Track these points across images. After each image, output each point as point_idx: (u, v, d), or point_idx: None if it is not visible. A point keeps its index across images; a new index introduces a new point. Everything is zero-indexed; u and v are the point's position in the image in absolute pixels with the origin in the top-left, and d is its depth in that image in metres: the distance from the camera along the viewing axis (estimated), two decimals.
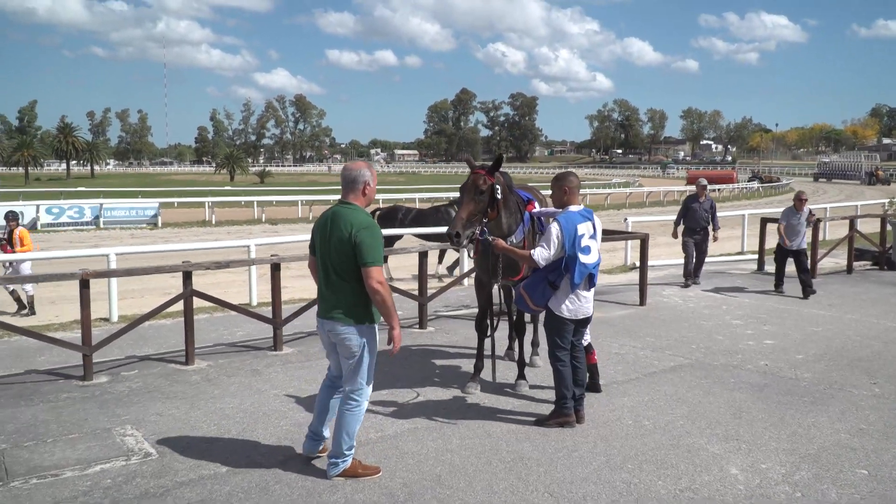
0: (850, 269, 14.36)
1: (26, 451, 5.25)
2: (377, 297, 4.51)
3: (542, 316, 6.07)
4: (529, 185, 7.89)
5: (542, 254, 5.46)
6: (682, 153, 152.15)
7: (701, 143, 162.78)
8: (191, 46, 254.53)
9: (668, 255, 16.57)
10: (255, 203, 34.72)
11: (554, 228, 5.49)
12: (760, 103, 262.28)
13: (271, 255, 8.49)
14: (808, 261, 12.16)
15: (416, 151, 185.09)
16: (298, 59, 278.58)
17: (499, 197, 5.96)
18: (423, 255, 9.48)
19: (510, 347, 7.90)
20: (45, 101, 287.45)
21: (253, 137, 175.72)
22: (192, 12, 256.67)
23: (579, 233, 5.50)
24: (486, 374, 6.84)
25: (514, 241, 6.21)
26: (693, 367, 7.49)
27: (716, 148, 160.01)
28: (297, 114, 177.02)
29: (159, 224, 28.70)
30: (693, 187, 13.11)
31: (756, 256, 15.23)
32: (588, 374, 6.13)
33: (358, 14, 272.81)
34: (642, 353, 8.04)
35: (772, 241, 16.39)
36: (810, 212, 12.10)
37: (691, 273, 12.60)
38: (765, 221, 15.02)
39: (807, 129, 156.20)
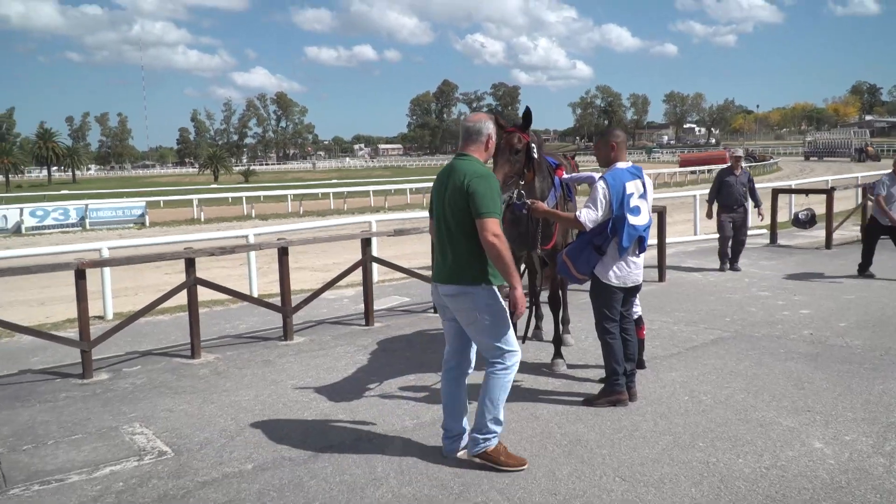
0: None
1: (25, 454, 4.71)
2: (493, 251, 3.99)
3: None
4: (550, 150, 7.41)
5: (588, 215, 4.96)
6: (665, 137, 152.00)
7: (684, 126, 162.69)
8: (167, 48, 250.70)
9: (670, 233, 16.16)
10: (244, 199, 34.09)
11: (601, 187, 4.99)
12: (741, 85, 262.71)
13: (278, 239, 7.96)
14: None
15: (400, 145, 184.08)
16: (277, 58, 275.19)
17: (535, 157, 5.47)
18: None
19: (537, 327, 7.42)
20: (23, 107, 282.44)
21: (235, 137, 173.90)
22: (167, 13, 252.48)
23: (628, 192, 5.01)
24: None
25: (547, 207, 5.69)
26: (735, 340, 7.03)
27: (699, 131, 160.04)
28: (279, 112, 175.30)
29: (147, 223, 28.06)
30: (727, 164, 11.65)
31: (766, 231, 14.82)
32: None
33: (335, 10, 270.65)
34: (676, 328, 7.58)
35: (783, 215, 16.07)
36: None
37: (728, 255, 11.12)
38: (776, 193, 14.61)
39: (788, 108, 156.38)
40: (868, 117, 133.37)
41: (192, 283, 7.04)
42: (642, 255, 5.22)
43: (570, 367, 6.24)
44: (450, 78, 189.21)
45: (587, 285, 5.45)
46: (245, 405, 5.56)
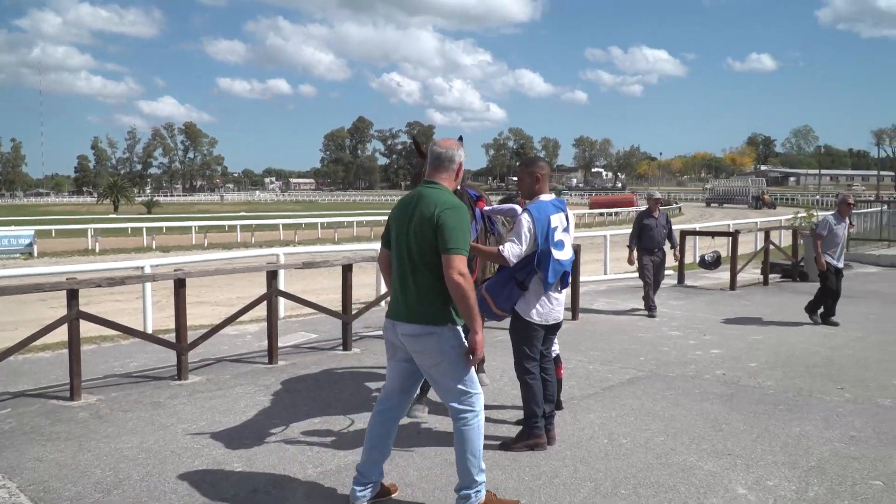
0: (766, 281, 14.42)
1: None
2: (458, 291, 3.66)
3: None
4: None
5: (512, 249, 4.71)
6: (574, 180, 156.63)
7: (592, 170, 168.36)
8: (69, 73, 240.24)
9: (581, 272, 16.26)
10: (144, 230, 32.59)
11: (525, 220, 4.77)
12: (646, 132, 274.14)
13: (175, 270, 7.38)
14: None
15: (312, 180, 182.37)
16: (187, 87, 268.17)
17: (458, 187, 5.21)
18: (347, 269, 8.57)
19: None
20: None
21: (139, 166, 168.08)
22: (70, 38, 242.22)
23: (552, 225, 4.81)
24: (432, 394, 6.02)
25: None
26: (650, 379, 6.93)
27: (606, 175, 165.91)
28: (187, 142, 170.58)
29: (35, 253, 26.32)
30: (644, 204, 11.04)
31: (673, 272, 15.11)
32: None
33: (249, 42, 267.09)
34: (592, 367, 7.43)
35: (689, 257, 16.45)
36: (850, 221, 10.40)
37: (654, 302, 10.67)
38: (684, 235, 14.94)
39: (689, 156, 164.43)
40: (763, 167, 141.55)
41: (73, 316, 6.39)
42: (564, 291, 5.02)
43: (484, 408, 5.95)
44: (365, 115, 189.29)
45: (504, 322, 5.21)
46: (127, 453, 4.99)
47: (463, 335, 3.89)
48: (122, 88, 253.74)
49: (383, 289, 12.87)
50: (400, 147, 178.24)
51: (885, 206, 23.51)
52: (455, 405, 3.86)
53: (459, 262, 3.69)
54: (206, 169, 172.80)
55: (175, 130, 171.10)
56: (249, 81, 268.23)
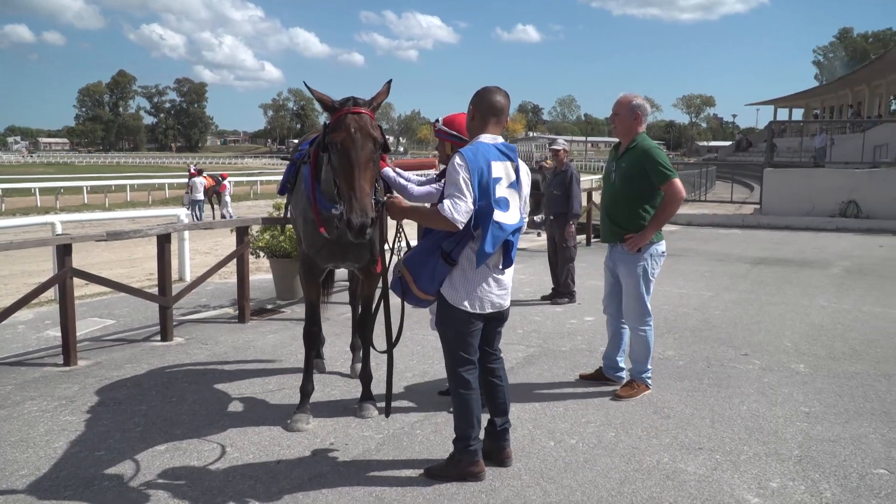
0: (589, 242, 14.44)
1: None
2: None
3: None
4: None
5: (456, 206, 3.50)
6: None
7: None
8: None
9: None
10: None
11: (458, 165, 3.55)
12: (426, 97, 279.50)
13: None
14: None
15: (66, 140, 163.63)
16: None
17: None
18: (164, 240, 6.82)
19: (318, 355, 5.79)
20: None
21: None
22: None
23: (494, 174, 3.65)
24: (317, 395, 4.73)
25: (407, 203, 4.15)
26: (547, 357, 6.14)
27: (390, 139, 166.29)
28: None
29: None
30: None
31: None
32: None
33: None
34: None
35: None
36: None
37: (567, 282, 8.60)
38: None
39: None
40: (532, 133, 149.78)
41: None
42: (510, 269, 3.89)
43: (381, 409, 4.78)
44: (125, 69, 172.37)
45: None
46: None
47: None
48: None
49: (188, 261, 11.01)
50: (168, 105, 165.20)
51: None
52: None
53: None
54: None
55: None
56: None
